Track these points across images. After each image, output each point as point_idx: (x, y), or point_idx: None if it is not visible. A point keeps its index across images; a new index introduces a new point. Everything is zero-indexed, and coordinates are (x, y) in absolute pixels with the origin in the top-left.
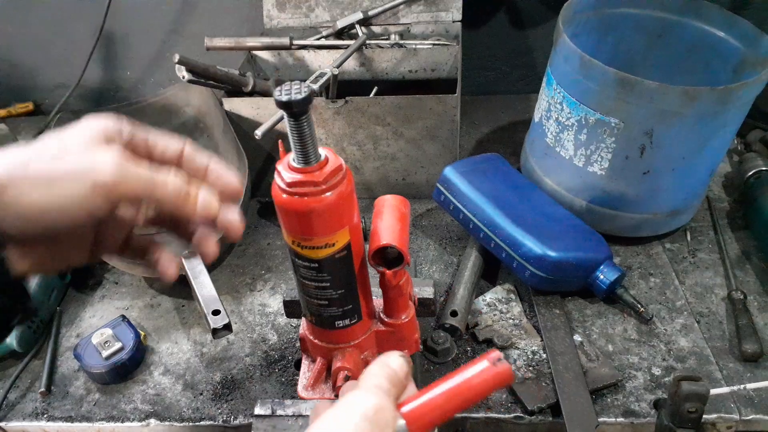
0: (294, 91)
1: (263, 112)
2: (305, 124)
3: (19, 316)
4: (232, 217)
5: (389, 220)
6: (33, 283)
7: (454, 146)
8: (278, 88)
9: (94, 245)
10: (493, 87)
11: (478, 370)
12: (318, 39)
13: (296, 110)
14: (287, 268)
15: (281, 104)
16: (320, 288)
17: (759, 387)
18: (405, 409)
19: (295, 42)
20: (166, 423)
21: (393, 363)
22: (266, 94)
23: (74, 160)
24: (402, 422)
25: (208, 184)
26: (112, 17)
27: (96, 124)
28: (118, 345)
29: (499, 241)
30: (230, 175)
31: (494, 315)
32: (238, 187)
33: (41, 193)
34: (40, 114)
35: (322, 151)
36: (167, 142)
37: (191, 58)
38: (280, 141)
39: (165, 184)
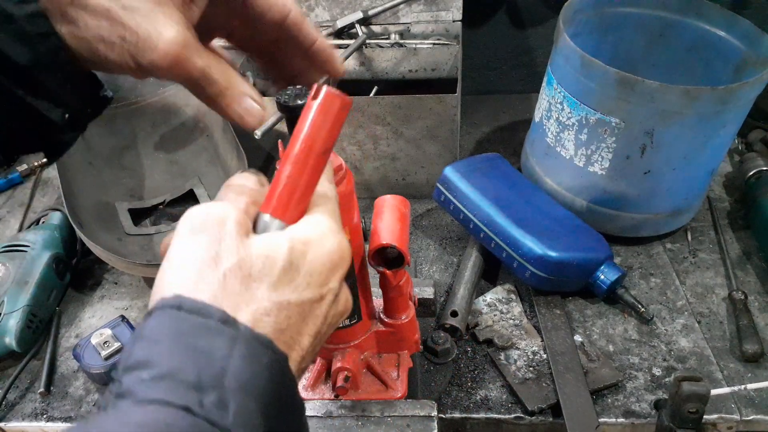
0: (295, 95)
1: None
2: None
3: (93, 109)
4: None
5: (389, 220)
6: (32, 283)
7: (454, 146)
8: (280, 92)
9: None
10: (493, 87)
11: (307, 119)
12: None
13: (298, 114)
14: None
15: (283, 108)
16: None
17: (760, 387)
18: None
19: None
20: None
21: (236, 179)
22: (266, 93)
23: (135, 28)
24: (265, 216)
25: (311, 61)
26: None
27: None
28: (117, 345)
29: (499, 241)
30: (336, 55)
31: (494, 315)
32: (341, 70)
33: (88, 47)
34: None
35: None
36: (269, 3)
37: None
38: (279, 141)
39: (209, 84)
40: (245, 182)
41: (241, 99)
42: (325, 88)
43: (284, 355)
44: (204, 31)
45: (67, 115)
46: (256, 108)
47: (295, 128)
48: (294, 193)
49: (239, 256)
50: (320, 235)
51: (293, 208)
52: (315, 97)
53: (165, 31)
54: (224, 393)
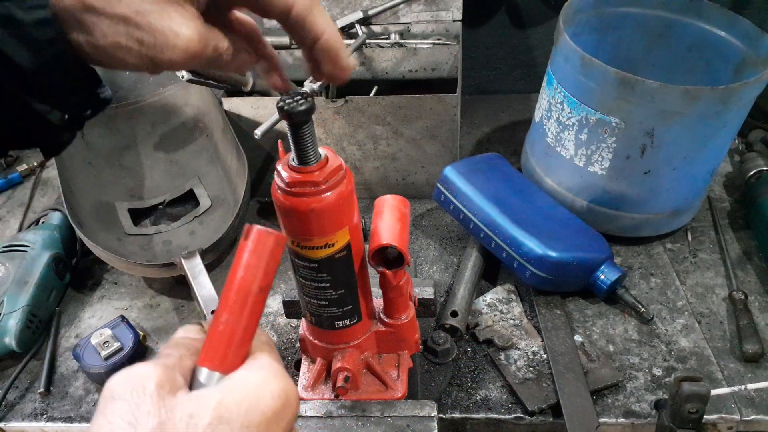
0: (296, 102)
1: (263, 112)
2: (307, 131)
3: (93, 108)
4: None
5: (389, 220)
6: (32, 283)
7: (455, 146)
8: (281, 98)
9: None
10: (494, 87)
11: (241, 261)
12: None
13: (298, 121)
14: (287, 268)
15: (284, 115)
16: (320, 288)
17: (760, 387)
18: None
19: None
20: None
21: (178, 333)
22: (266, 93)
23: (150, 30)
24: (201, 369)
25: (311, 59)
26: None
27: None
28: (117, 345)
29: (499, 242)
30: (341, 55)
31: (495, 315)
32: (346, 71)
33: (106, 55)
34: None
35: (322, 151)
36: None
37: None
38: (279, 141)
39: (220, 56)
40: (185, 334)
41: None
42: (255, 229)
43: None
44: (216, 8)
45: (66, 117)
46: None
47: (230, 271)
48: (231, 340)
49: (159, 419)
50: (260, 380)
51: (231, 357)
52: (246, 237)
53: (181, 30)
54: None
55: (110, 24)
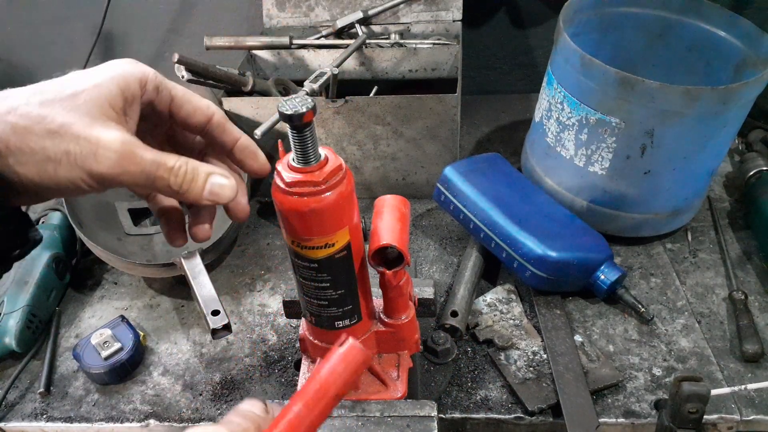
0: (297, 105)
1: (263, 112)
2: (308, 133)
3: (21, 249)
4: (240, 199)
5: (389, 220)
6: (32, 283)
7: (454, 146)
8: (282, 100)
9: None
10: (493, 87)
11: (327, 363)
12: (318, 38)
13: (299, 123)
14: (287, 268)
15: (285, 118)
16: (320, 288)
17: (760, 387)
18: None
19: (295, 41)
20: (166, 423)
21: (244, 405)
22: (266, 93)
23: (77, 141)
24: None
25: (233, 160)
26: (111, 17)
27: (116, 80)
28: (117, 345)
29: (499, 242)
30: (259, 153)
31: (495, 315)
32: (266, 167)
33: (36, 171)
34: None
35: (322, 151)
36: (195, 106)
37: (190, 58)
38: (279, 141)
39: (169, 174)
40: (251, 408)
41: (209, 178)
42: (350, 340)
43: None
44: (147, 138)
45: None
46: (227, 183)
47: (315, 368)
48: (297, 430)
49: None
50: None
51: None
52: (341, 344)
53: (104, 134)
54: None
55: (37, 139)
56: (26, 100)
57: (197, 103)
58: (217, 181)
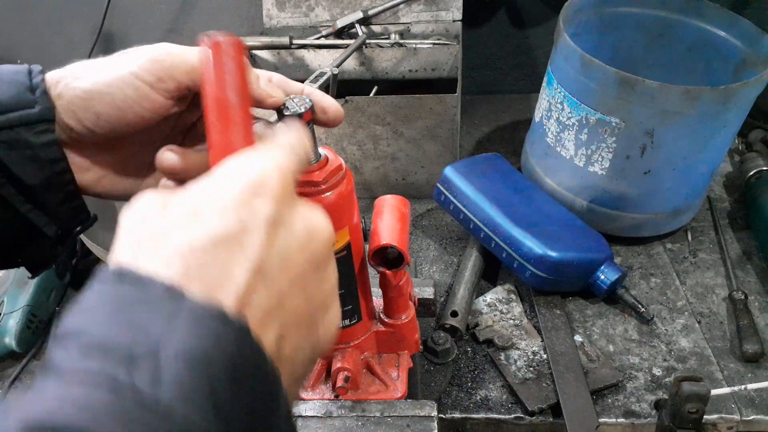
0: (296, 105)
1: (262, 112)
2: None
3: (83, 225)
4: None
5: (389, 220)
6: (32, 283)
7: (454, 146)
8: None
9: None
10: (493, 87)
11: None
12: (318, 38)
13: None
14: None
15: (282, 118)
16: None
17: (760, 387)
18: None
19: (295, 41)
20: None
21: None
22: None
23: (124, 53)
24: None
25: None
26: (111, 17)
27: (162, 53)
28: None
29: (499, 242)
30: (328, 99)
31: (495, 315)
32: (340, 111)
33: (89, 78)
34: None
35: (322, 151)
36: (254, 74)
37: None
38: None
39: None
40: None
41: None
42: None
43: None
44: None
45: (58, 231)
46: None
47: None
48: (224, 148)
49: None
50: (232, 165)
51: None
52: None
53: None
54: (158, 362)
55: (95, 61)
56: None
57: (254, 70)
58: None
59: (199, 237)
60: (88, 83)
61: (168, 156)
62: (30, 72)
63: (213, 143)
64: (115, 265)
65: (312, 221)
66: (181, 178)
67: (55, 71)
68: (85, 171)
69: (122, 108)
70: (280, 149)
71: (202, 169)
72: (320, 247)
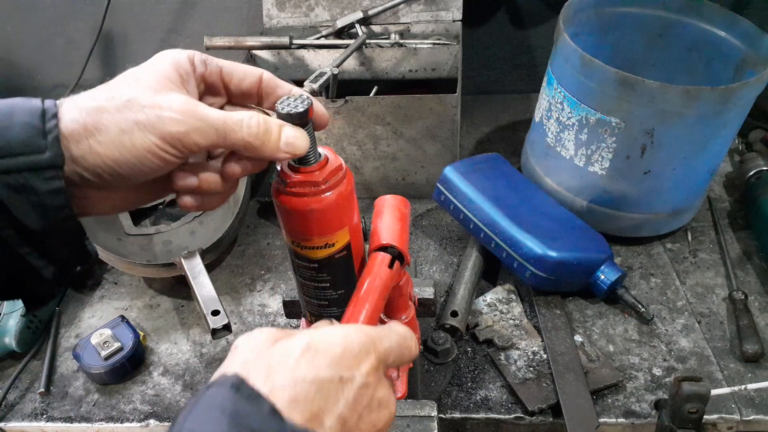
0: (295, 104)
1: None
2: (307, 133)
3: (81, 264)
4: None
5: (389, 220)
6: None
7: (454, 146)
8: (279, 100)
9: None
10: (494, 87)
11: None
12: (318, 38)
13: (297, 122)
14: (287, 268)
15: (282, 117)
16: (320, 288)
17: (760, 387)
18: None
19: (295, 41)
20: (166, 423)
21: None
22: None
23: (143, 110)
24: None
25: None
26: (111, 16)
27: (167, 60)
28: (117, 345)
29: (499, 241)
30: (317, 103)
31: (495, 315)
32: (326, 115)
33: (114, 146)
34: None
35: (322, 151)
36: (243, 70)
37: None
38: None
39: (240, 127)
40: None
41: (282, 130)
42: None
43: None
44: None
45: (57, 271)
46: (300, 133)
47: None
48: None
49: (263, 355)
50: (346, 328)
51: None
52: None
53: (166, 98)
54: None
55: (109, 116)
56: (94, 92)
57: (244, 67)
58: (291, 132)
59: (309, 374)
60: (113, 152)
61: (183, 177)
62: (44, 114)
63: (349, 308)
64: (233, 374)
65: (389, 399)
66: (197, 193)
67: (70, 117)
68: (98, 204)
69: (145, 172)
70: (391, 340)
71: (215, 185)
72: (385, 417)
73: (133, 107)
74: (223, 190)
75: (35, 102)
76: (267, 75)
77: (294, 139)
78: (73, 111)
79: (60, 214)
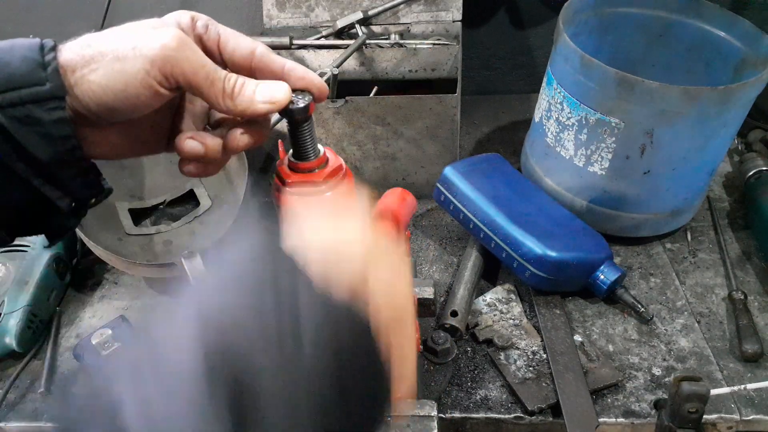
0: (295, 100)
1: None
2: (306, 130)
3: (97, 197)
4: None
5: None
6: (32, 283)
7: (454, 146)
8: None
9: (171, 135)
10: (493, 87)
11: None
12: (318, 39)
13: (297, 118)
14: None
15: (282, 113)
16: None
17: (759, 387)
18: None
19: (295, 42)
20: None
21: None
22: None
23: (137, 38)
24: None
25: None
26: (111, 16)
27: (170, 15)
28: (117, 345)
29: (499, 241)
30: (312, 74)
31: (494, 315)
32: (323, 85)
33: (104, 71)
34: None
35: (322, 149)
36: (239, 41)
37: None
38: (279, 141)
39: (222, 76)
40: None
41: (260, 84)
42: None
43: None
44: None
45: (73, 204)
46: (281, 85)
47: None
48: None
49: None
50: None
51: None
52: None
53: (165, 30)
54: None
55: (109, 42)
56: (100, 31)
57: (241, 38)
58: (269, 85)
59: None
60: (104, 79)
61: (191, 144)
62: (42, 48)
63: None
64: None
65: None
66: (203, 161)
67: (69, 50)
68: (97, 145)
69: (136, 104)
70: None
71: (218, 154)
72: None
73: (134, 34)
74: (222, 159)
75: (34, 39)
76: (261, 49)
77: (272, 91)
78: (75, 45)
79: (67, 144)
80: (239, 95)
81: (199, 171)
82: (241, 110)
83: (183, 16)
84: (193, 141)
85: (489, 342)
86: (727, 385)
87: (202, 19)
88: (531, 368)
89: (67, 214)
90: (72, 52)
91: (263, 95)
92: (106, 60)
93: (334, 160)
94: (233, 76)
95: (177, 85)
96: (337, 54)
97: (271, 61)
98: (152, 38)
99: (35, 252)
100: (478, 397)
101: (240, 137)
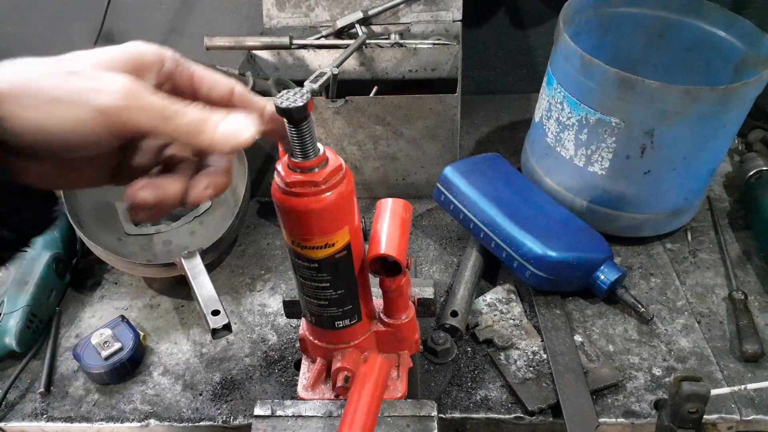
0: (293, 98)
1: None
2: (305, 128)
3: (38, 225)
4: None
5: (389, 227)
6: (32, 283)
7: (454, 146)
8: (278, 95)
9: (117, 170)
10: (493, 87)
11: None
12: (318, 38)
13: (296, 117)
14: (287, 268)
15: (281, 111)
16: (320, 288)
17: (760, 387)
18: None
19: (295, 41)
20: (166, 423)
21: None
22: (266, 93)
23: (83, 81)
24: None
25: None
26: (111, 16)
27: (132, 49)
28: (117, 345)
29: (499, 241)
30: (246, 93)
31: (494, 315)
32: (259, 103)
33: (41, 113)
34: None
35: (322, 148)
36: (216, 80)
37: (190, 58)
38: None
39: (179, 113)
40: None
41: (225, 118)
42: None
43: None
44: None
45: (11, 234)
46: (246, 119)
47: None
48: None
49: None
50: None
51: None
52: None
53: (112, 75)
54: None
55: (49, 80)
56: (39, 59)
57: (217, 77)
58: (234, 119)
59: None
60: (44, 121)
61: (144, 195)
62: None
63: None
64: None
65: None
66: (157, 209)
67: (4, 79)
68: (22, 173)
69: (76, 145)
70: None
71: (178, 200)
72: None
73: (73, 77)
74: (179, 204)
75: None
76: (239, 89)
77: (237, 125)
78: (8, 72)
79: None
80: (201, 131)
81: (152, 216)
82: (204, 147)
83: (145, 50)
84: (147, 192)
85: (489, 342)
86: (728, 385)
87: (170, 54)
88: (531, 368)
89: (5, 246)
90: (3, 81)
91: (226, 132)
92: (43, 100)
93: (334, 159)
94: (191, 110)
95: (129, 135)
96: (337, 54)
97: (250, 103)
98: (95, 84)
99: (35, 252)
100: (478, 397)
101: (204, 192)
